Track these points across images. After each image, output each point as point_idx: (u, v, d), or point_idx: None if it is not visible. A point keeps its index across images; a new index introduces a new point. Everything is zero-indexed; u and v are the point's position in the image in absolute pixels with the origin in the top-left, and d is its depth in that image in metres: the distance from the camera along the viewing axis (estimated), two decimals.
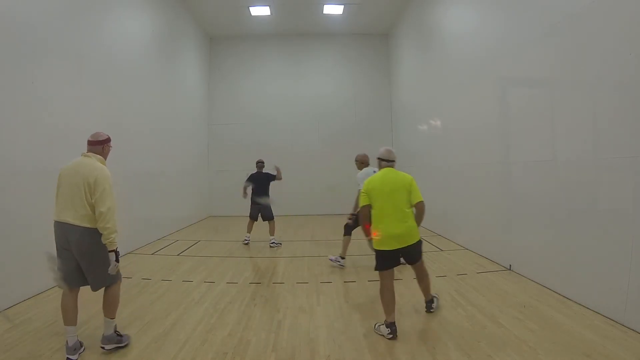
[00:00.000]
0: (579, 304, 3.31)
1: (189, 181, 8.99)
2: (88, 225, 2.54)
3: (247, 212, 6.41)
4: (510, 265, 4.48)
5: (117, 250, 2.63)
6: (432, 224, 7.37)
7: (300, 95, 10.67)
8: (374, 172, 4.13)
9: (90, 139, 2.78)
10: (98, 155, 2.74)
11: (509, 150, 4.63)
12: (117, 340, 2.65)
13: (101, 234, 2.53)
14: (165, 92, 7.66)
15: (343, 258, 4.94)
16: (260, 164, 6.47)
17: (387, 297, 2.93)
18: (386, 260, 2.98)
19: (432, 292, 3.33)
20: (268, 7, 9.02)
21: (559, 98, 3.72)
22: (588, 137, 3.33)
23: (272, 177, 6.33)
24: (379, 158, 3.37)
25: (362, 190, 3.13)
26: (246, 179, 6.44)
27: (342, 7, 9.06)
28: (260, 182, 6.30)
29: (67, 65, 4.46)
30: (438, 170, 6.95)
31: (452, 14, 6.27)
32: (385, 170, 3.24)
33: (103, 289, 2.67)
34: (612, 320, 2.95)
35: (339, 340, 2.78)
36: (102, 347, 2.60)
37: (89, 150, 2.75)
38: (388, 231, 2.94)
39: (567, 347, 2.57)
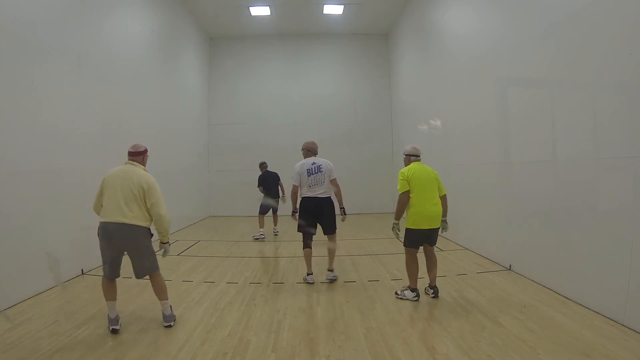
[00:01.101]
0: (579, 304, 3.31)
1: (189, 181, 8.99)
2: (142, 224, 2.93)
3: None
4: (510, 265, 4.48)
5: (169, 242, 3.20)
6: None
7: (300, 95, 10.67)
8: (313, 164, 4.23)
9: (131, 150, 3.15)
10: (141, 165, 3.13)
11: (509, 150, 4.63)
12: (175, 318, 3.11)
13: (149, 230, 3.01)
14: (165, 92, 7.66)
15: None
16: (263, 164, 7.24)
17: (413, 268, 3.57)
18: (417, 238, 3.57)
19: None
20: (268, 7, 9.02)
21: (559, 98, 3.72)
22: (588, 137, 3.33)
23: (277, 177, 7.08)
24: (408, 154, 3.86)
25: (402, 179, 3.59)
26: (257, 183, 7.14)
27: (342, 7, 9.06)
28: (270, 181, 7.03)
29: (67, 65, 4.45)
30: (438, 170, 6.89)
31: (452, 13, 6.27)
32: (416, 164, 3.75)
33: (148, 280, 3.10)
34: (612, 320, 2.95)
35: (339, 340, 2.78)
36: (168, 325, 3.01)
37: (131, 160, 3.12)
38: (425, 213, 3.48)
39: (567, 347, 2.57)
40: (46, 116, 4.05)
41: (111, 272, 2.97)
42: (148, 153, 3.25)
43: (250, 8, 8.98)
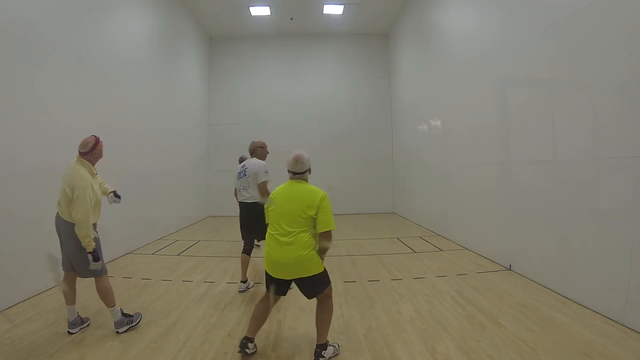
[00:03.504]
0: (579, 304, 3.31)
1: (189, 181, 8.99)
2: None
3: None
4: (510, 265, 4.48)
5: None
6: (432, 224, 7.38)
7: (300, 95, 10.67)
8: (243, 166, 4.00)
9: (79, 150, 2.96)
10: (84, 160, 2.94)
11: (509, 150, 4.63)
12: (128, 322, 2.95)
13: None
14: (165, 92, 7.66)
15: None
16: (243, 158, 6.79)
17: (256, 311, 2.67)
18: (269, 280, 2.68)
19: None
20: (268, 7, 9.02)
21: (559, 98, 3.72)
22: (588, 137, 3.33)
23: None
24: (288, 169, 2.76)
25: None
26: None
27: (342, 7, 9.06)
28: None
29: (67, 65, 4.45)
30: (438, 170, 6.96)
31: (452, 13, 6.27)
32: (288, 183, 2.70)
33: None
34: (612, 320, 2.95)
35: (338, 340, 2.78)
36: (117, 332, 2.89)
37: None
38: (269, 256, 2.63)
39: (567, 347, 2.57)
40: (46, 116, 4.05)
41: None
42: (99, 146, 2.99)
43: (250, 8, 8.99)
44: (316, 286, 2.50)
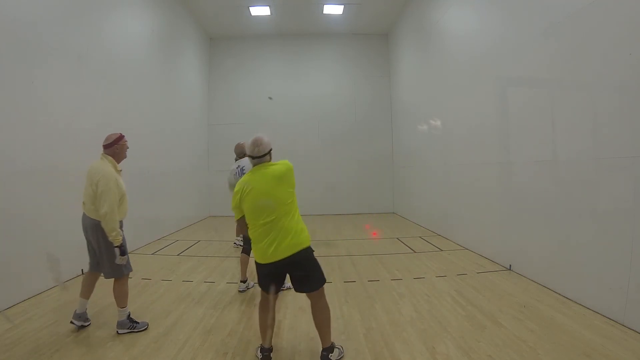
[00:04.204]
0: (579, 304, 3.31)
1: (189, 181, 8.99)
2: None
3: None
4: (510, 265, 4.48)
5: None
6: (432, 224, 7.38)
7: (300, 95, 10.67)
8: (238, 167, 4.08)
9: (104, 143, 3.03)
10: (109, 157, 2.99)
11: (509, 150, 4.63)
12: (130, 327, 2.94)
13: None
14: (165, 92, 7.66)
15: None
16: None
17: (262, 319, 2.59)
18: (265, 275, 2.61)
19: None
20: (268, 7, 9.02)
21: (559, 98, 3.72)
22: (588, 137, 3.33)
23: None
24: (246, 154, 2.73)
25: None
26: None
27: (342, 7, 9.05)
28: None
29: (67, 65, 4.45)
30: (438, 170, 6.95)
31: (452, 13, 6.27)
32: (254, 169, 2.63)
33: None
34: (612, 320, 2.95)
35: (338, 340, 2.77)
36: (117, 332, 2.89)
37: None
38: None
39: (567, 347, 2.57)
40: (46, 116, 4.05)
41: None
42: (122, 141, 3.01)
43: (250, 8, 8.98)
44: (314, 278, 2.46)
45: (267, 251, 2.37)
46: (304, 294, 2.50)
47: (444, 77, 6.63)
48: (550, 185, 3.80)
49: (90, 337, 2.83)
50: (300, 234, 2.43)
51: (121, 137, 3.02)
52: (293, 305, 3.52)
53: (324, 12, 9.28)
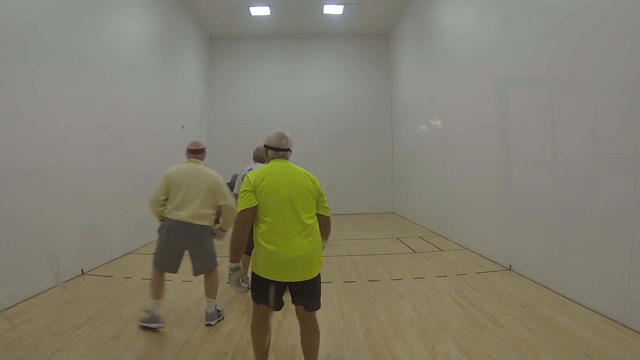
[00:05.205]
0: (579, 304, 3.31)
1: None
2: (206, 224, 3.02)
3: None
4: (510, 265, 4.48)
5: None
6: (432, 224, 7.38)
7: (300, 95, 10.68)
8: (250, 169, 3.86)
9: (192, 148, 3.33)
10: (203, 162, 3.28)
11: (509, 150, 4.63)
12: (218, 315, 3.12)
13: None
14: (165, 92, 7.65)
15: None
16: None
17: (256, 336, 2.27)
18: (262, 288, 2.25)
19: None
20: (268, 7, 9.02)
21: (559, 98, 3.72)
22: (588, 137, 3.33)
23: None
24: (267, 145, 2.31)
25: (245, 188, 2.13)
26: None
27: (342, 7, 9.06)
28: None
29: (67, 65, 4.45)
30: (438, 170, 6.95)
31: (452, 13, 6.27)
32: (276, 162, 2.26)
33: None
34: (612, 320, 2.95)
35: (339, 340, 2.78)
36: (208, 324, 3.02)
37: (194, 157, 3.31)
38: (279, 254, 2.13)
39: (567, 347, 2.57)
40: (46, 116, 4.05)
41: (168, 265, 3.04)
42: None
43: (250, 8, 8.98)
44: (317, 294, 2.14)
45: (277, 268, 1.99)
46: (294, 314, 2.28)
47: (444, 77, 6.63)
48: (551, 185, 3.80)
49: (90, 337, 2.83)
50: (320, 254, 2.10)
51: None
52: (292, 305, 3.50)
53: (324, 12, 9.29)
